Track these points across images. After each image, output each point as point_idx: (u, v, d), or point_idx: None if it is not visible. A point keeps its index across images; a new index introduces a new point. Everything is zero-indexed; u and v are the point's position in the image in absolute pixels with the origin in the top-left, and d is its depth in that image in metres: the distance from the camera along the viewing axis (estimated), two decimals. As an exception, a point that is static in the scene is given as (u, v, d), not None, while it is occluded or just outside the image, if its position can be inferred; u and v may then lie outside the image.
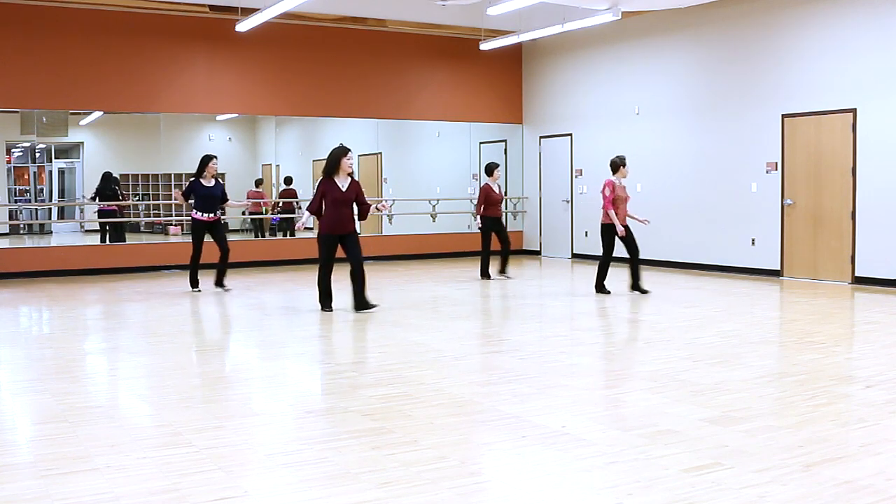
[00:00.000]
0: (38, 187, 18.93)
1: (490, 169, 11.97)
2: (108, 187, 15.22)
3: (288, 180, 16.93)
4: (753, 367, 5.97)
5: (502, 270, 12.07)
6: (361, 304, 8.67)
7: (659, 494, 3.48)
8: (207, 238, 10.48)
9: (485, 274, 11.96)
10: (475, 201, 17.03)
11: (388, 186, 17.43)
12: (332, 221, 8.61)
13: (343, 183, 8.66)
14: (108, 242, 14.57)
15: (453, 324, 8.17)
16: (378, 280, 11.92)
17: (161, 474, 3.77)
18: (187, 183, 10.63)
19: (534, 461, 3.99)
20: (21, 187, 18.77)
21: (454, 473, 3.77)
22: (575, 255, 15.32)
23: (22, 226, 17.60)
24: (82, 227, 17.73)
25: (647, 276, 12.19)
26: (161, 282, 12.01)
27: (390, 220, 15.68)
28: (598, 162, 14.80)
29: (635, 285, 10.04)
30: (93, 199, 15.31)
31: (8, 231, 17.19)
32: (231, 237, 17.27)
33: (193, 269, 10.65)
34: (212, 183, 10.47)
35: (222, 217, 10.93)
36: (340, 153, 8.65)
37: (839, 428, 4.47)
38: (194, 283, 10.66)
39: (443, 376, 5.83)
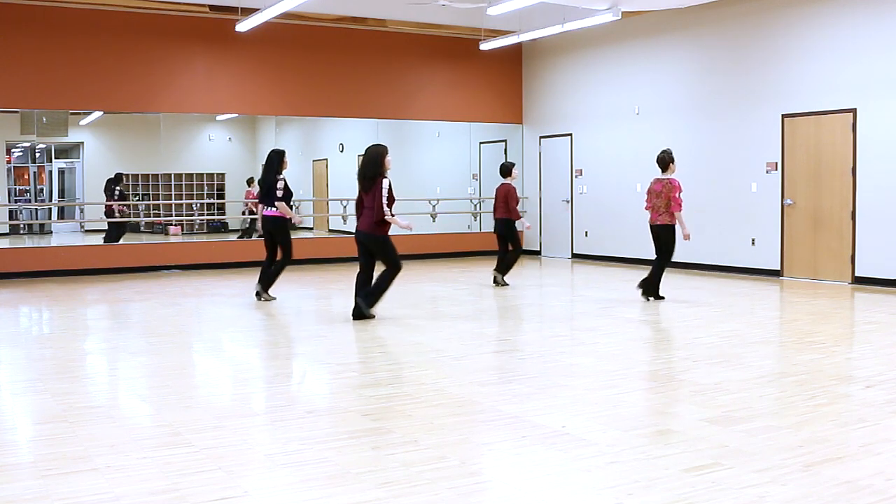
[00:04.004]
0: (38, 187, 18.94)
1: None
2: (118, 188, 15.40)
3: None
4: (753, 367, 5.96)
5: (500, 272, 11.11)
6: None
7: (659, 494, 3.48)
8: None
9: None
10: (475, 201, 17.19)
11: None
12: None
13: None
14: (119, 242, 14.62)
15: (453, 324, 8.17)
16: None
17: (161, 474, 3.77)
18: (282, 182, 9.58)
19: (534, 461, 3.99)
20: (21, 187, 18.78)
21: (454, 473, 3.77)
22: (575, 255, 15.32)
23: (22, 226, 17.60)
24: (82, 227, 17.73)
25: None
26: (161, 282, 12.01)
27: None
28: (599, 162, 14.84)
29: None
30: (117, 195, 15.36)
31: (8, 231, 17.20)
32: (230, 237, 17.45)
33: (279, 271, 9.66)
34: None
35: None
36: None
37: (839, 428, 4.47)
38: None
39: (443, 376, 5.83)
